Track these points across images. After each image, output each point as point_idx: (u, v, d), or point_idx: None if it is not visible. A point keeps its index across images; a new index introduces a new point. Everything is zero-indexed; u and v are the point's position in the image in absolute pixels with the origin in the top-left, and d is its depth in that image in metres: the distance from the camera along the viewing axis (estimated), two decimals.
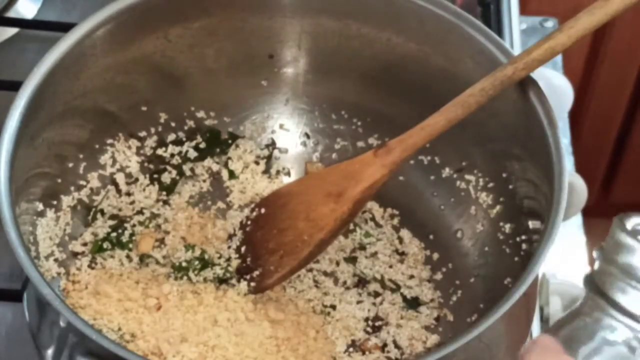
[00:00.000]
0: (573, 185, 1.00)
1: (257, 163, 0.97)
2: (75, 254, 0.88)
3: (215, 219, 0.94)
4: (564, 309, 0.99)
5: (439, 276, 0.92)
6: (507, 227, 0.88)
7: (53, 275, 0.85)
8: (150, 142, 0.94)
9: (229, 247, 0.91)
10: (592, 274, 0.52)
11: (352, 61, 0.94)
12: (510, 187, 0.88)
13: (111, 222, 0.91)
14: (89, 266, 0.88)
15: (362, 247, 0.93)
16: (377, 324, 0.88)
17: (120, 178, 0.92)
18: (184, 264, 0.89)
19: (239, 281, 0.88)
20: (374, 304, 0.89)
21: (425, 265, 0.92)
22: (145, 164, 0.94)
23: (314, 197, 0.87)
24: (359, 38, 0.92)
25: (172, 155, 0.95)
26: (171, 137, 0.95)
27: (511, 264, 0.85)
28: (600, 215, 1.16)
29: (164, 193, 0.94)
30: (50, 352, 0.77)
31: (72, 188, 0.89)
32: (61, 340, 0.75)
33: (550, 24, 1.25)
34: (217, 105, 0.96)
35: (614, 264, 0.51)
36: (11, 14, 1.08)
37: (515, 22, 1.12)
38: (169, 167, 0.95)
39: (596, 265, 0.52)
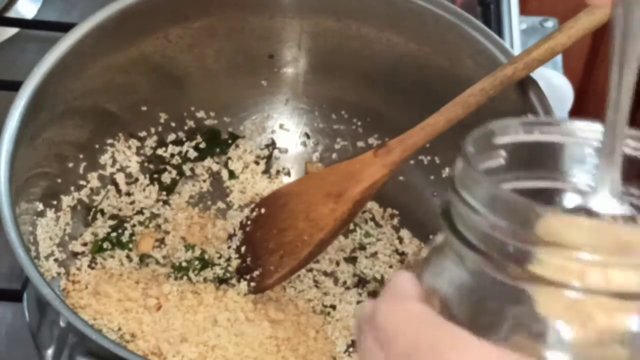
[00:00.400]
0: None
1: (257, 163, 0.97)
2: (75, 254, 0.88)
3: (215, 219, 0.94)
4: None
5: None
6: None
7: (53, 275, 0.85)
8: (150, 142, 0.94)
9: (229, 247, 0.91)
10: (445, 202, 0.48)
11: (352, 61, 0.94)
12: None
13: (111, 222, 0.91)
14: (89, 266, 0.88)
15: (362, 247, 0.93)
16: None
17: (120, 178, 0.92)
18: (184, 264, 0.89)
19: (239, 281, 0.88)
20: None
21: None
22: (145, 164, 0.94)
23: (314, 197, 0.87)
24: (359, 38, 0.92)
25: (172, 155, 0.95)
26: (171, 137, 0.95)
27: None
28: None
29: (164, 193, 0.94)
30: (50, 352, 0.77)
31: (72, 188, 0.89)
32: (61, 340, 0.75)
33: (550, 24, 1.24)
34: (217, 105, 0.96)
35: (460, 188, 0.46)
36: (11, 14, 1.08)
37: (515, 22, 1.12)
38: (169, 167, 0.95)
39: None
